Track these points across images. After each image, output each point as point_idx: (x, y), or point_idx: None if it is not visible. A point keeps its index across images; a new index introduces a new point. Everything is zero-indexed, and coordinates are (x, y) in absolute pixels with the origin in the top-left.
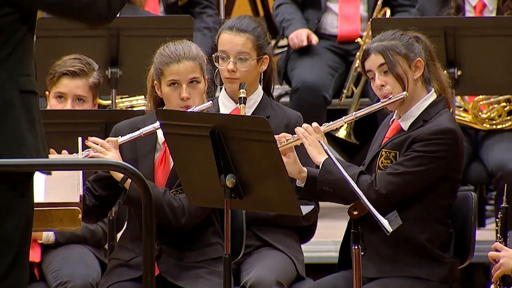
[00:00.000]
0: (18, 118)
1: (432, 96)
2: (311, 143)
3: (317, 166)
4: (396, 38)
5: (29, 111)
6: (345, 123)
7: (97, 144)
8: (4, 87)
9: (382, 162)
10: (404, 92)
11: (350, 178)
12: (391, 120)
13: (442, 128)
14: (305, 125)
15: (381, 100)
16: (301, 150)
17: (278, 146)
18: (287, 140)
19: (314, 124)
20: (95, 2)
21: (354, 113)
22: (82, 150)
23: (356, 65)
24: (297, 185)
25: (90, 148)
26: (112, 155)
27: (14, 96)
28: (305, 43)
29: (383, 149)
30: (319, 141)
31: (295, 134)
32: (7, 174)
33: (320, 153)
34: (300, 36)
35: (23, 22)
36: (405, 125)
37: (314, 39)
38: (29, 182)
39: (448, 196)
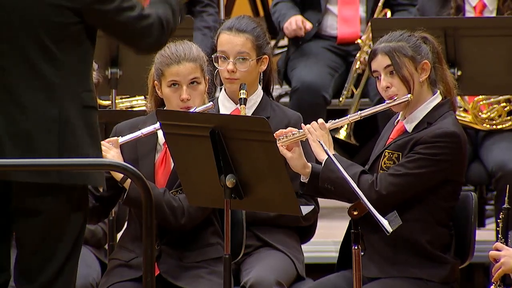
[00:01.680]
0: (80, 133)
1: (437, 98)
2: (315, 140)
3: (320, 163)
4: (403, 40)
5: (90, 126)
6: (350, 121)
7: None
8: (69, 100)
9: (385, 163)
10: (409, 95)
11: (349, 178)
12: (396, 120)
13: (445, 131)
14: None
15: (386, 101)
16: (304, 146)
17: (284, 140)
18: (293, 134)
19: (320, 120)
20: (151, 28)
21: (359, 112)
22: None
23: (357, 66)
24: (301, 180)
25: None
26: (113, 155)
27: (78, 110)
28: (301, 30)
29: (386, 150)
30: (318, 141)
31: (301, 129)
32: (65, 187)
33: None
34: (294, 23)
35: (88, 35)
36: (409, 127)
37: (308, 25)
38: (85, 195)
39: (450, 198)
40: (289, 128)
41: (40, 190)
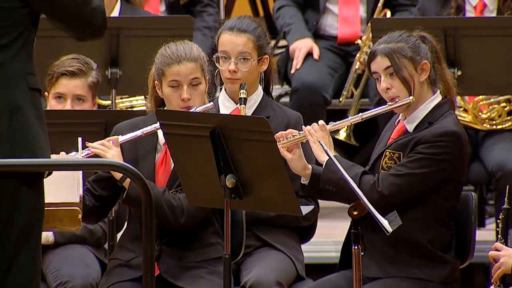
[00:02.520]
0: (29, 114)
1: (437, 98)
2: (316, 141)
3: (320, 164)
4: (402, 40)
5: (38, 108)
6: (351, 123)
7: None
8: (16, 82)
9: (386, 163)
10: (411, 97)
11: (350, 179)
12: (397, 120)
13: (446, 131)
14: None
15: (388, 103)
16: (304, 147)
17: (284, 141)
18: (293, 136)
19: (321, 122)
20: (95, 13)
21: (360, 114)
22: (82, 150)
23: (356, 66)
24: (302, 182)
25: (90, 147)
26: (113, 154)
27: (25, 92)
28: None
29: (387, 150)
30: (319, 141)
31: (301, 130)
32: (17, 172)
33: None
34: (305, 50)
35: (32, 20)
36: (410, 127)
37: (316, 53)
38: (40, 180)
39: (451, 198)
40: (289, 130)
41: None
